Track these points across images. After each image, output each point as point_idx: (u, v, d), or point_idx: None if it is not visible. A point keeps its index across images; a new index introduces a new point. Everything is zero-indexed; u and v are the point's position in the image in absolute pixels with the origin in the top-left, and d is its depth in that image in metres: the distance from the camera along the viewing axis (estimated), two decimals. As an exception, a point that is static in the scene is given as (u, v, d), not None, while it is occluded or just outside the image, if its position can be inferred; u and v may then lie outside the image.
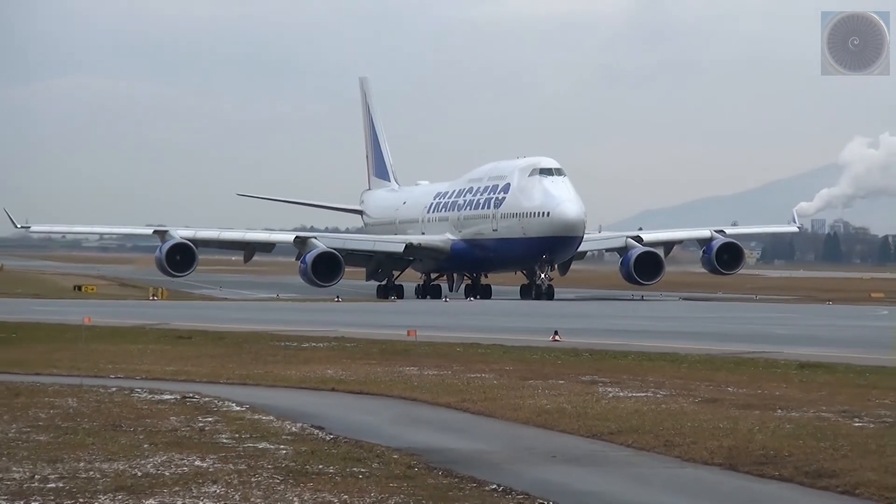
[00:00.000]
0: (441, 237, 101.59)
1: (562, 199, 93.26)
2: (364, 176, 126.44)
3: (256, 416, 23.61)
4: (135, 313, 60.77)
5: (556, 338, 43.04)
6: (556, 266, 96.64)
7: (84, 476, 17.22)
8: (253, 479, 17.09)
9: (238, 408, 24.85)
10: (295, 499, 15.92)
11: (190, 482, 16.85)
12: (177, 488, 16.44)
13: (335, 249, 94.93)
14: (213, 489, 16.42)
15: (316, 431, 21.89)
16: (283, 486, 16.66)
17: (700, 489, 17.66)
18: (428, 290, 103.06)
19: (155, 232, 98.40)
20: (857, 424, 22.72)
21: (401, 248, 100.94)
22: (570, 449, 20.80)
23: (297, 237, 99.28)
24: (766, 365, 34.23)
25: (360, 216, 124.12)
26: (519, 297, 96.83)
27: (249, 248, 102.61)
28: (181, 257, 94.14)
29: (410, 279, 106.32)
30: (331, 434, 21.57)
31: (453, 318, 63.36)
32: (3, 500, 15.66)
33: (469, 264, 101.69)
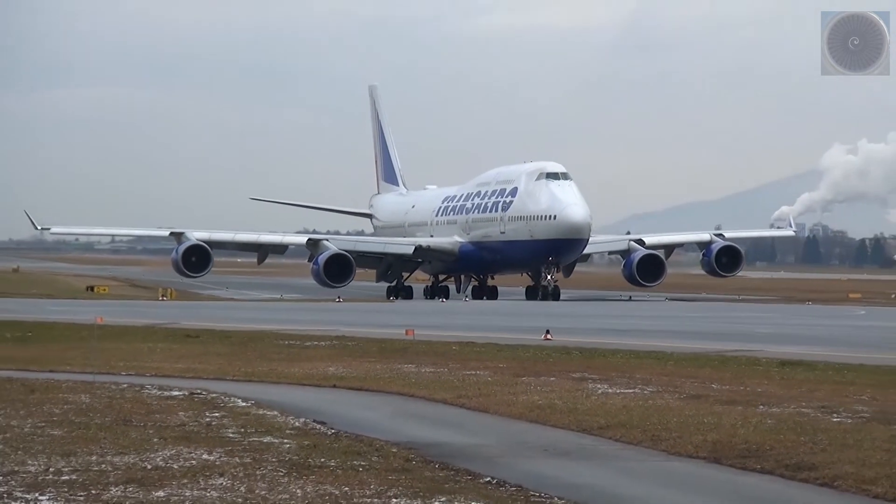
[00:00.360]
0: (450, 239, 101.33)
1: (568, 203, 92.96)
2: (372, 181, 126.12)
3: (261, 412, 23.61)
4: (145, 313, 60.74)
5: (548, 337, 43.03)
6: (560, 268, 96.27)
7: (96, 469, 17.22)
8: (258, 472, 17.10)
9: (244, 403, 24.85)
10: (298, 491, 15.93)
11: (197, 475, 16.85)
12: (185, 480, 16.45)
13: (346, 251, 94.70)
14: (219, 481, 16.42)
15: (318, 426, 21.89)
16: (286, 479, 16.67)
17: (685, 481, 17.66)
18: (436, 292, 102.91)
19: (171, 234, 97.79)
20: (835, 419, 22.73)
21: (410, 250, 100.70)
22: (562, 443, 20.80)
23: (309, 239, 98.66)
24: (748, 362, 34.24)
25: (368, 220, 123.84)
26: (524, 298, 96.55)
27: (263, 250, 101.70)
28: (196, 258, 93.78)
29: (417, 280, 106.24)
30: (332, 429, 21.57)
31: (450, 317, 63.36)
32: (20, 491, 15.66)
33: (477, 266, 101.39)
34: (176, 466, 17.47)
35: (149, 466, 17.45)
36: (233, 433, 20.79)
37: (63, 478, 16.53)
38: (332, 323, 52.55)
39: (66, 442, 19.45)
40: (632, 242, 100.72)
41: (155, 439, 19.88)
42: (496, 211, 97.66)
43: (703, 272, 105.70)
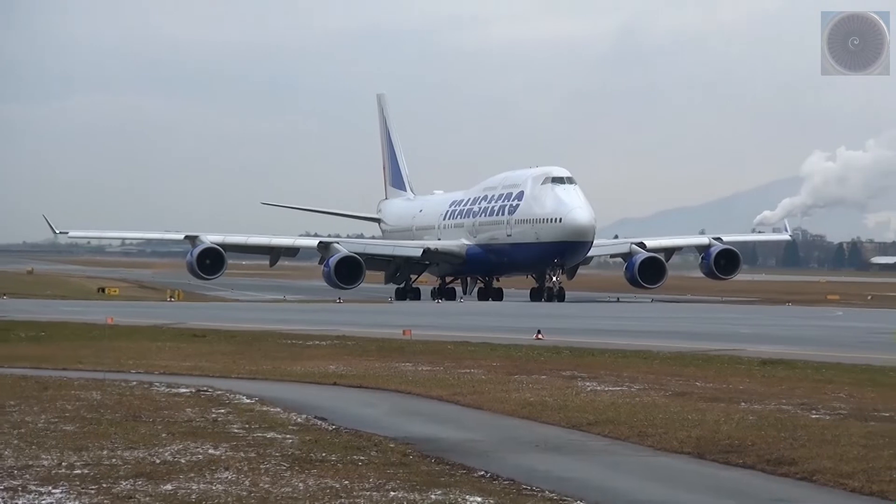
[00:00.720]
0: (457, 242, 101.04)
1: (573, 206, 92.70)
2: (379, 186, 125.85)
3: (265, 408, 23.60)
4: (153, 313, 60.71)
5: (539, 336, 43.04)
6: (565, 270, 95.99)
7: (107, 463, 17.22)
8: (262, 466, 17.10)
9: (248, 400, 24.84)
10: (300, 484, 15.93)
11: (204, 468, 16.85)
12: (192, 474, 16.45)
13: (356, 254, 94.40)
14: (225, 475, 16.42)
15: (319, 422, 21.88)
16: (289, 473, 16.67)
17: (671, 475, 17.67)
18: (443, 293, 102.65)
19: (186, 237, 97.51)
20: (814, 416, 22.74)
21: (419, 252, 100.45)
22: (552, 438, 20.80)
23: (320, 242, 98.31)
24: (731, 361, 34.25)
25: (373, 223, 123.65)
26: (529, 299, 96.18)
27: (275, 253, 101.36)
28: (211, 261, 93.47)
29: (423, 283, 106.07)
30: (333, 425, 21.56)
31: (446, 318, 63.34)
32: (34, 484, 15.66)
33: (483, 268, 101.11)
34: (183, 461, 17.47)
35: (157, 461, 17.45)
36: (238, 429, 20.78)
37: (75, 471, 16.53)
38: (333, 323, 52.54)
39: (79, 437, 19.44)
40: (633, 246, 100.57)
41: (163, 434, 19.87)
42: (503, 214, 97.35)
43: (701, 275, 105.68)
